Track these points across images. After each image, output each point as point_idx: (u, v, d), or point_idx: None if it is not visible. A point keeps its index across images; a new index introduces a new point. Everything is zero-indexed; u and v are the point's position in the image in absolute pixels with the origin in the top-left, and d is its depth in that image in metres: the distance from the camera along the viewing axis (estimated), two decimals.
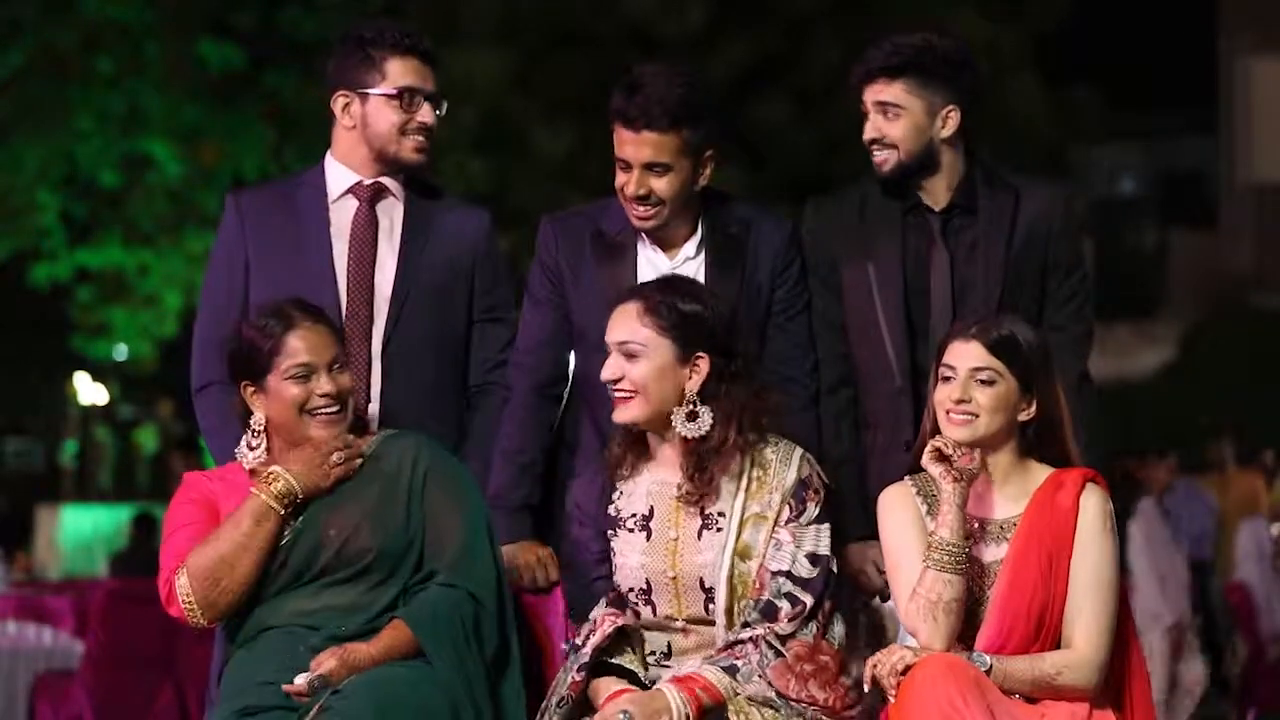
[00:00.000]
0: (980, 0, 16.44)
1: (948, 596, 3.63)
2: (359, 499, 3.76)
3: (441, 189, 4.47)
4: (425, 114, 4.20)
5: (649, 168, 4.07)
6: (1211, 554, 12.64)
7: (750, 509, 3.77)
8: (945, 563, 3.64)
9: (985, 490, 3.79)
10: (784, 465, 3.79)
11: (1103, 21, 23.87)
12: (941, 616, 3.63)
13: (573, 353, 4.26)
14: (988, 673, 3.59)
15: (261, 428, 3.82)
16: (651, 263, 4.20)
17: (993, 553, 3.75)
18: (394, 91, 4.18)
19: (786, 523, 3.75)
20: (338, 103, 4.25)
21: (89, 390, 22.72)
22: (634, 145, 4.07)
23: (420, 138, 4.21)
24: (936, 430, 3.76)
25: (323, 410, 3.78)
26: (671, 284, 3.87)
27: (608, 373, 3.79)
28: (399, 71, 4.19)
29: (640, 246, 4.21)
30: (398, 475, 3.79)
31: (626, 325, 3.79)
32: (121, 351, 19.86)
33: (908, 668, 3.54)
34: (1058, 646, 3.68)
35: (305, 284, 4.09)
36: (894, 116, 4.16)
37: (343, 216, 4.26)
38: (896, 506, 3.81)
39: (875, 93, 4.17)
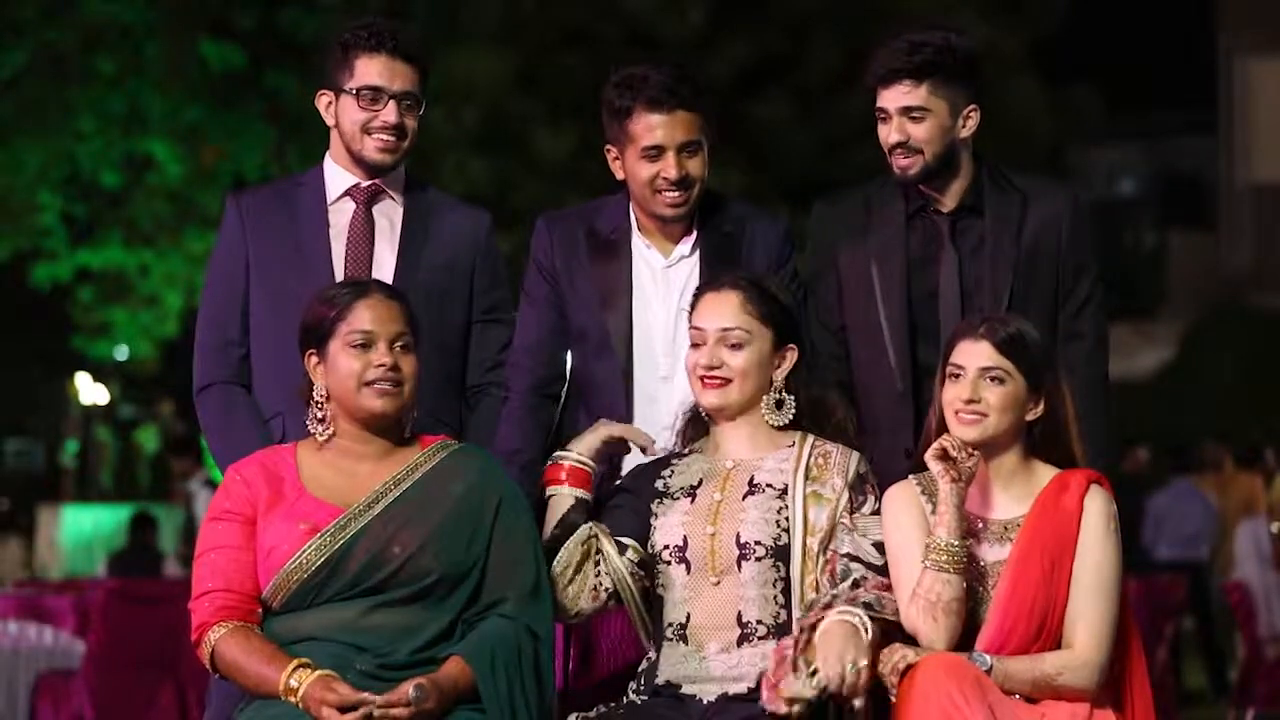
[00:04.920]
0: (980, 1, 16.45)
1: (947, 596, 3.64)
2: (424, 520, 3.67)
3: (441, 190, 4.48)
4: (389, 113, 4.17)
5: (683, 148, 4.11)
6: (1207, 555, 12.64)
7: (810, 487, 3.82)
8: (943, 562, 3.65)
9: (990, 491, 3.79)
10: (845, 457, 3.85)
11: (1102, 22, 23.88)
12: (942, 616, 3.64)
13: (569, 352, 4.27)
14: (988, 672, 3.59)
15: (324, 398, 3.73)
16: (646, 261, 4.21)
17: (996, 553, 3.75)
18: (355, 89, 4.18)
19: (850, 512, 3.80)
20: (321, 101, 4.26)
21: (90, 390, 22.73)
22: (667, 127, 4.09)
23: (385, 137, 4.19)
24: (942, 429, 3.77)
25: (379, 382, 3.69)
26: (761, 275, 3.98)
27: (707, 359, 3.84)
28: (364, 69, 4.17)
29: (635, 245, 4.23)
30: (467, 497, 3.71)
31: (727, 312, 3.86)
32: (122, 352, 19.87)
33: (909, 666, 3.55)
34: (1058, 647, 3.68)
35: (305, 285, 4.08)
36: (920, 119, 4.09)
37: (341, 218, 4.27)
38: (901, 506, 3.81)
39: (899, 96, 4.09)
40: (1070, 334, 4.17)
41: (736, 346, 3.85)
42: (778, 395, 3.88)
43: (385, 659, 3.60)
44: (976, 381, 3.74)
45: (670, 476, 3.91)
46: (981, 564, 3.74)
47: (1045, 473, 3.80)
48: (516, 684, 3.60)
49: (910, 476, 3.85)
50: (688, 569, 3.81)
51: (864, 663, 3.55)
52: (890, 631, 3.68)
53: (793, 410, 3.88)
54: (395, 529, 3.66)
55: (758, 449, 3.88)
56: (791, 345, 3.89)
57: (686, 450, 3.97)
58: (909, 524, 3.77)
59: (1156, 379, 20.34)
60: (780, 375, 3.88)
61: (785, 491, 3.81)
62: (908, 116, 4.10)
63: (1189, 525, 12.50)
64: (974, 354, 3.76)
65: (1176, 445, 13.40)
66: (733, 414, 3.88)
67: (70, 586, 10.59)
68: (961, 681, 3.50)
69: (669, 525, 3.84)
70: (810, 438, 3.89)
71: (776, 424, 3.88)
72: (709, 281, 3.97)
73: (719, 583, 3.78)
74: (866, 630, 3.61)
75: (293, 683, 3.53)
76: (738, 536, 3.78)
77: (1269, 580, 10.98)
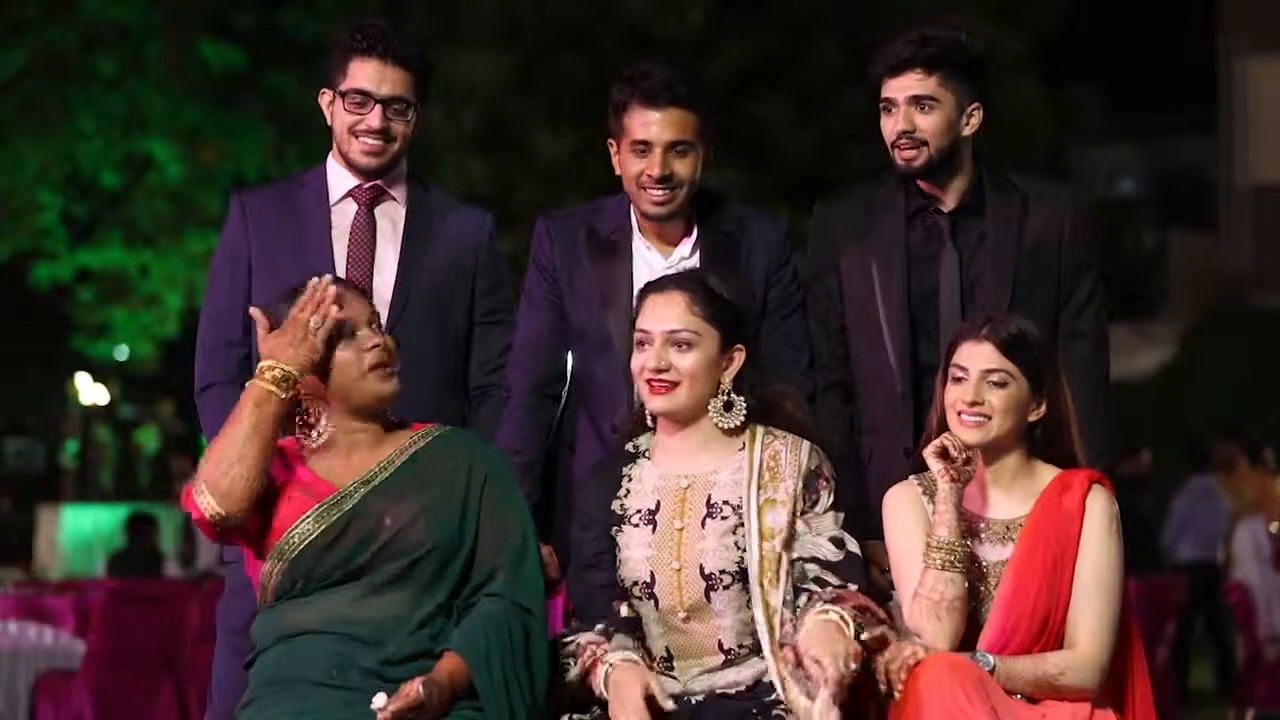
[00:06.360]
0: (980, 1, 16.44)
1: (950, 595, 3.64)
2: (417, 494, 3.68)
3: (444, 190, 4.48)
4: (374, 117, 4.17)
5: (672, 147, 4.09)
6: (1223, 554, 12.61)
7: (764, 496, 3.74)
8: (945, 561, 3.65)
9: (991, 491, 3.79)
10: (794, 455, 3.77)
11: (1103, 21, 23.88)
12: (945, 616, 3.64)
13: (570, 352, 4.27)
14: (991, 672, 3.59)
15: (319, 402, 3.70)
16: (646, 262, 4.21)
17: (998, 553, 3.75)
18: (345, 91, 4.19)
19: (802, 513, 3.73)
20: (322, 100, 4.28)
21: (90, 390, 22.74)
22: (659, 124, 4.08)
23: (369, 141, 4.19)
24: (943, 429, 3.76)
25: (380, 365, 3.69)
26: (707, 274, 3.89)
27: (654, 362, 3.75)
28: (355, 72, 4.18)
29: (635, 245, 4.22)
30: (455, 476, 3.72)
31: (674, 314, 3.77)
32: (122, 352, 19.90)
33: (918, 663, 3.54)
34: (1059, 647, 3.68)
35: None
36: (929, 110, 4.10)
37: (343, 219, 4.27)
38: (902, 506, 3.81)
39: (910, 85, 4.10)
40: (1071, 334, 4.17)
41: (684, 348, 3.75)
42: (726, 397, 3.79)
43: (386, 655, 3.59)
44: (979, 384, 3.73)
45: (626, 496, 3.82)
46: (983, 564, 3.74)
47: (1047, 473, 3.80)
48: (510, 669, 3.60)
49: (911, 476, 3.85)
50: (656, 605, 3.75)
51: (854, 665, 3.50)
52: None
53: (743, 412, 3.79)
54: (388, 504, 3.67)
55: (711, 459, 3.79)
56: (739, 346, 3.80)
57: (632, 448, 3.89)
58: (910, 524, 3.77)
59: (1156, 379, 20.32)
60: (728, 377, 3.79)
61: (740, 509, 3.74)
62: (917, 106, 4.11)
63: (1211, 525, 12.49)
64: (977, 356, 3.75)
65: (1197, 445, 13.35)
66: (682, 419, 3.79)
67: (70, 586, 10.60)
68: (965, 682, 3.49)
69: (634, 561, 3.76)
70: (759, 433, 3.80)
71: (726, 427, 3.79)
72: (653, 283, 3.88)
73: (688, 617, 3.73)
74: (848, 624, 3.56)
75: (271, 374, 3.58)
76: (701, 569, 3.71)
77: (1269, 580, 10.98)
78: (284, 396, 3.60)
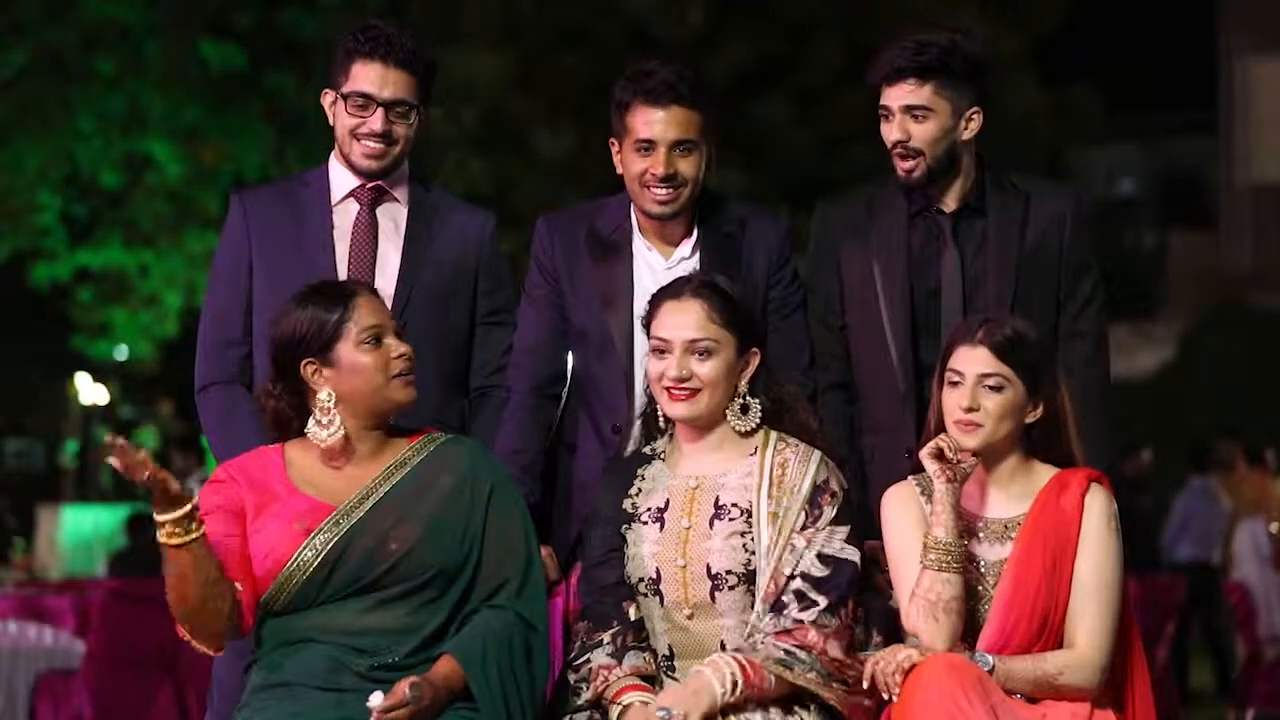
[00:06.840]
0: (980, 1, 16.44)
1: (947, 596, 3.64)
2: (418, 511, 3.66)
3: (446, 190, 4.47)
4: (375, 121, 4.16)
5: (676, 146, 4.09)
6: (1221, 555, 12.61)
7: (770, 506, 3.75)
8: (942, 562, 3.65)
9: (990, 490, 3.80)
10: (802, 467, 3.78)
11: (1102, 21, 23.87)
12: (942, 616, 3.64)
13: (570, 352, 4.27)
14: (990, 672, 3.59)
15: (332, 403, 3.68)
16: (647, 262, 4.21)
17: (997, 552, 3.75)
18: (347, 94, 4.18)
19: (802, 529, 3.73)
20: (325, 100, 4.27)
21: (90, 390, 22.73)
22: (663, 123, 4.09)
23: (371, 144, 4.19)
24: (941, 430, 3.76)
25: (403, 373, 3.69)
26: (717, 277, 3.90)
27: (675, 371, 3.77)
28: (357, 74, 4.17)
29: (636, 246, 4.22)
30: (459, 488, 3.71)
31: (692, 322, 3.79)
32: (122, 352, 19.88)
33: (913, 666, 3.54)
34: (1059, 646, 3.69)
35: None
36: (923, 119, 4.10)
37: (345, 219, 4.26)
38: (900, 506, 3.81)
39: (903, 95, 4.10)
40: (1071, 334, 4.18)
41: (705, 356, 3.78)
42: (742, 400, 3.82)
43: (382, 662, 3.59)
44: (975, 389, 3.73)
45: (637, 495, 3.85)
46: (982, 563, 3.74)
47: (1045, 472, 3.80)
48: (509, 677, 3.60)
49: (910, 477, 3.85)
50: (661, 601, 3.78)
51: (678, 712, 3.54)
52: (805, 693, 3.65)
53: (759, 415, 3.82)
54: (390, 525, 3.65)
55: (722, 461, 3.82)
56: (754, 349, 3.84)
57: (648, 450, 3.92)
58: (909, 524, 3.77)
59: (1156, 379, 20.33)
60: (745, 380, 3.83)
61: (750, 513, 3.76)
62: (910, 115, 4.11)
63: (1211, 525, 12.49)
64: (972, 360, 3.75)
65: (1197, 445, 13.36)
66: (703, 424, 3.82)
67: (70, 586, 10.58)
68: (964, 682, 3.50)
69: (641, 557, 3.79)
70: (772, 439, 3.82)
71: (743, 430, 3.81)
72: (667, 288, 3.89)
73: (692, 615, 3.75)
74: (735, 686, 3.59)
75: (163, 532, 3.51)
76: (708, 568, 3.74)
77: (1269, 580, 10.97)
78: (192, 537, 3.52)
